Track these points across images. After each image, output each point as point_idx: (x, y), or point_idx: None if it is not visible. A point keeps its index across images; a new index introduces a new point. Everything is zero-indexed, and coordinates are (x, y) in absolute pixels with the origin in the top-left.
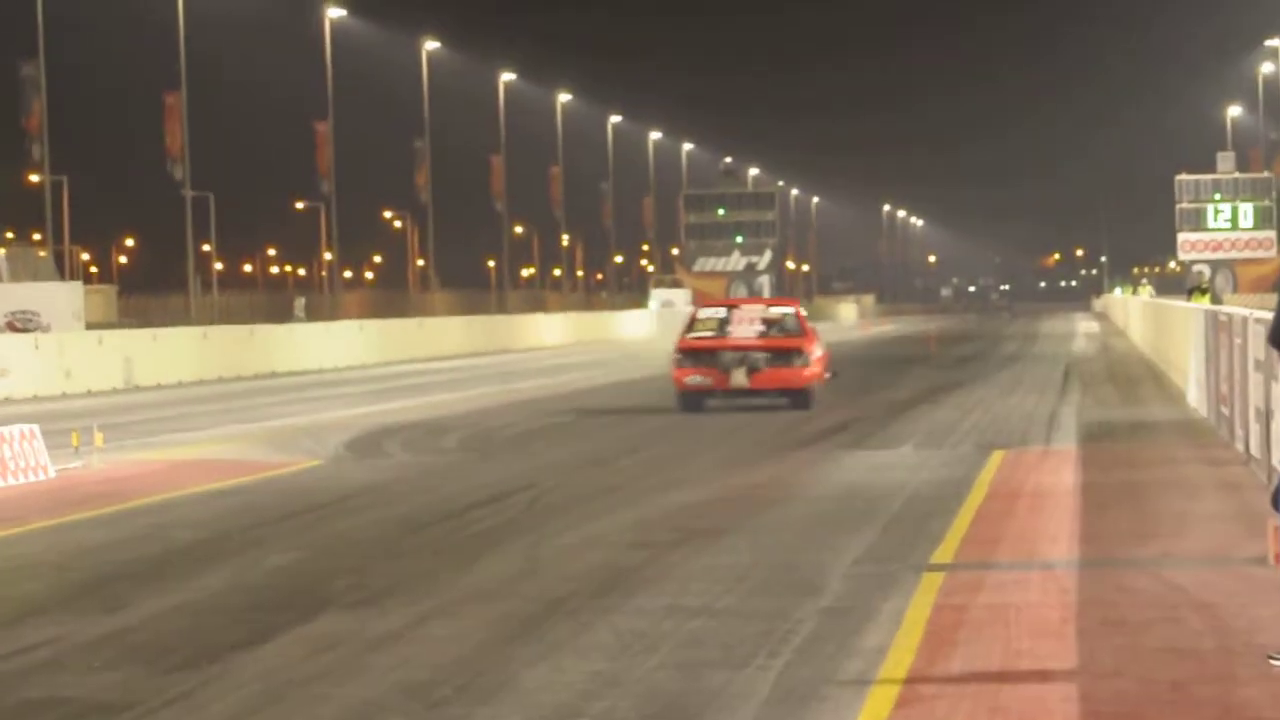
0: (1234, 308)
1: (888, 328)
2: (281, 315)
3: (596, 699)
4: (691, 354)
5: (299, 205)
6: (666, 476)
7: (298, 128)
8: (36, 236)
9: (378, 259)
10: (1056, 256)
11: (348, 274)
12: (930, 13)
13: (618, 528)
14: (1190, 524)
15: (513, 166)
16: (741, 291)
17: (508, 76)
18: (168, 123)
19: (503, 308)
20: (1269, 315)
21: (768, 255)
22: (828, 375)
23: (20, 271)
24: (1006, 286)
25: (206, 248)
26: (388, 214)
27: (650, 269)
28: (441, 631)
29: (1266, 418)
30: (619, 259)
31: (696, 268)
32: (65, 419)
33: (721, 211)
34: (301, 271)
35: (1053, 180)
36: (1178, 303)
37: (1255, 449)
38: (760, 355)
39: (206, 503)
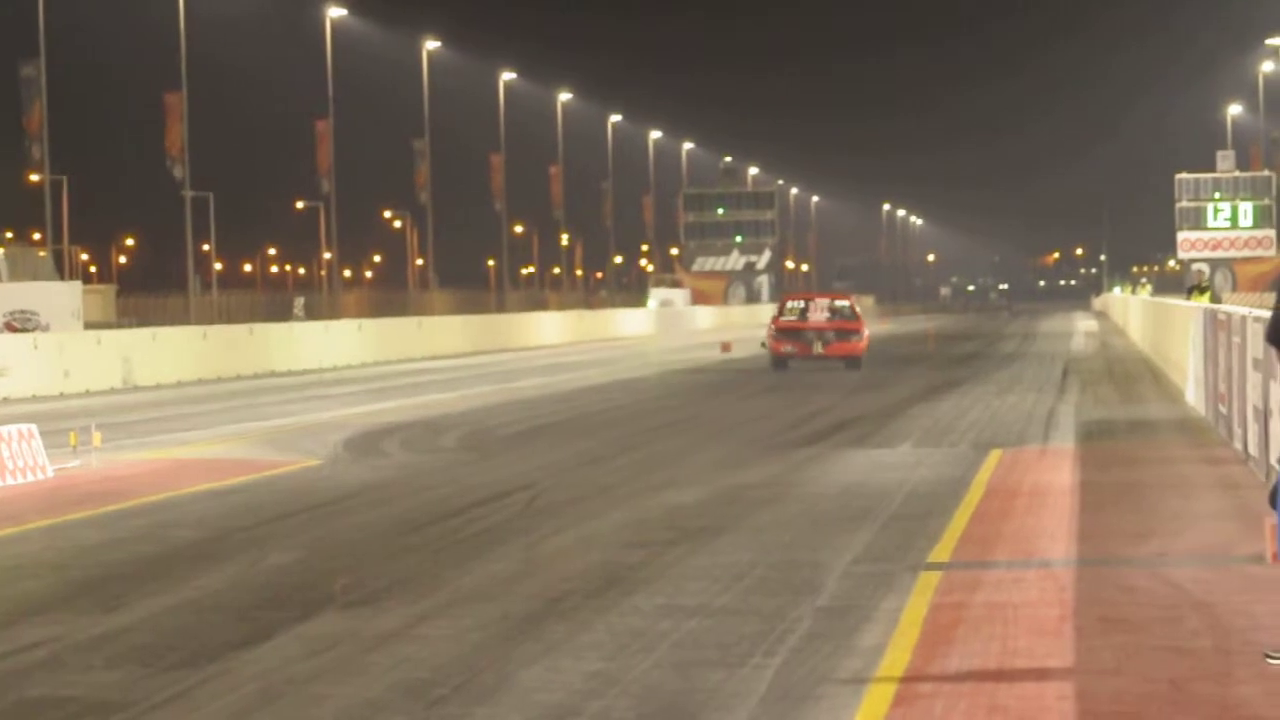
0: (1233, 306)
1: (887, 326)
2: (281, 315)
3: (594, 698)
4: (783, 332)
5: (299, 205)
6: (664, 476)
7: (298, 128)
8: (36, 236)
9: (377, 258)
10: (1056, 255)
11: (347, 273)
12: (931, 13)
13: (615, 527)
14: (1188, 523)
15: (512, 166)
16: (740, 291)
17: (508, 75)
18: (168, 122)
19: (502, 307)
20: (1268, 314)
21: (767, 254)
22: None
23: (19, 271)
24: (1005, 285)
25: (206, 247)
26: (387, 213)
27: (650, 268)
28: (439, 631)
29: (1265, 416)
30: (618, 258)
31: (696, 267)
32: (64, 419)
33: (721, 211)
34: (301, 271)
35: (1052, 179)
36: (1177, 301)
37: (1253, 448)
38: (830, 333)
39: (205, 502)
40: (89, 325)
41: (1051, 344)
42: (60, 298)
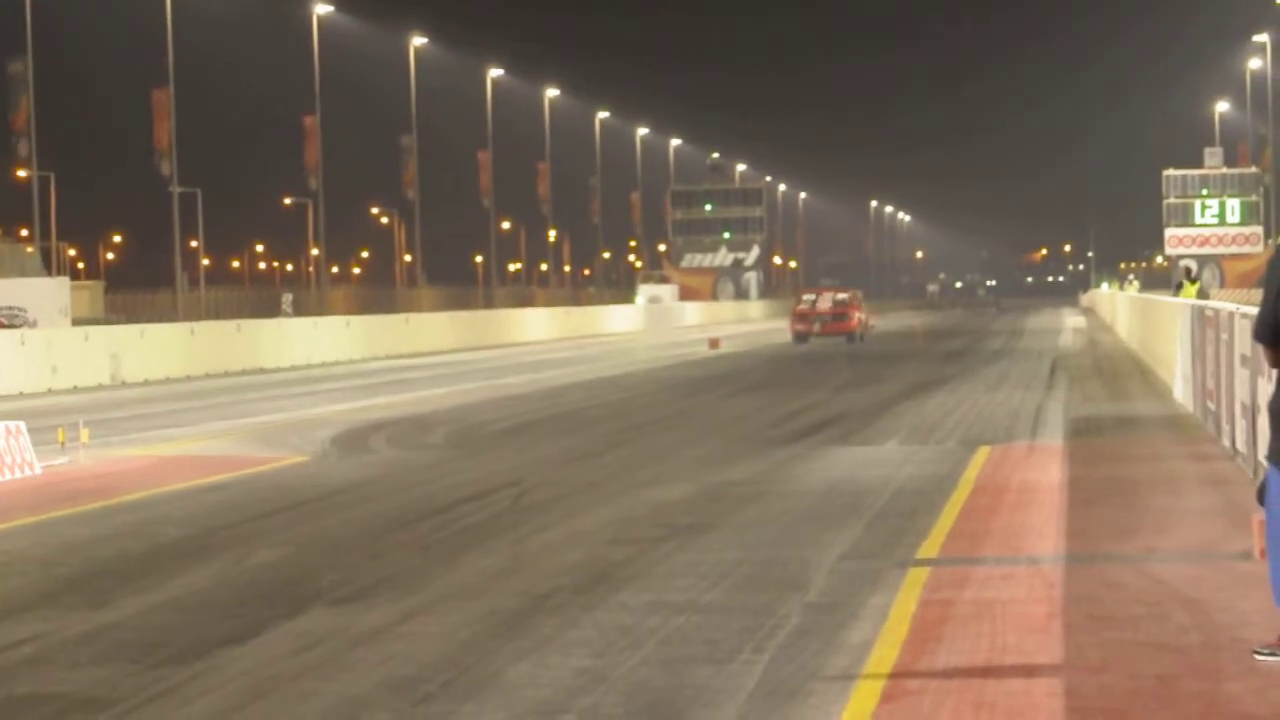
0: (1220, 303)
1: (874, 323)
2: (269, 311)
3: (581, 695)
4: (800, 316)
5: (287, 201)
6: (651, 472)
7: (285, 124)
8: (24, 232)
9: (365, 255)
10: (1043, 252)
11: (335, 270)
12: (918, 11)
13: (602, 523)
14: (1176, 519)
15: (500, 162)
16: (729, 287)
17: (496, 72)
18: (155, 119)
19: (490, 303)
20: (1255, 310)
21: (755, 251)
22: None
23: (7, 267)
24: (993, 282)
25: (194, 244)
26: (375, 210)
27: (638, 265)
28: (426, 627)
29: (1252, 413)
30: (606, 254)
31: (684, 263)
32: (51, 415)
33: (709, 207)
34: (289, 267)
35: (1040, 176)
36: (1164, 298)
37: (1241, 444)
38: (829, 317)
39: (192, 499)
40: (77, 321)
41: (1039, 340)
42: (48, 294)
